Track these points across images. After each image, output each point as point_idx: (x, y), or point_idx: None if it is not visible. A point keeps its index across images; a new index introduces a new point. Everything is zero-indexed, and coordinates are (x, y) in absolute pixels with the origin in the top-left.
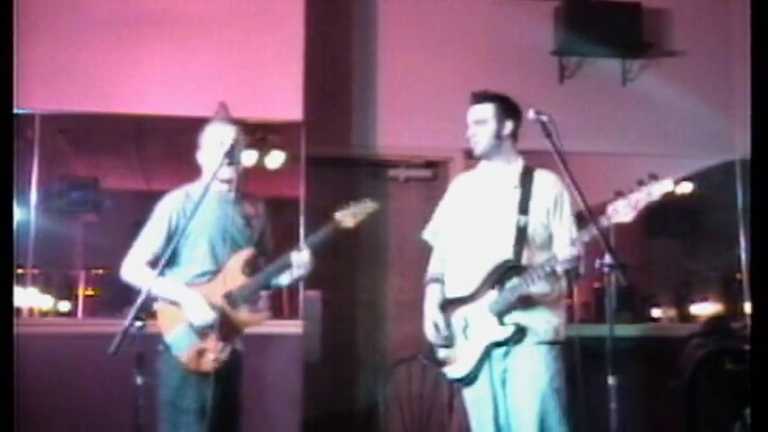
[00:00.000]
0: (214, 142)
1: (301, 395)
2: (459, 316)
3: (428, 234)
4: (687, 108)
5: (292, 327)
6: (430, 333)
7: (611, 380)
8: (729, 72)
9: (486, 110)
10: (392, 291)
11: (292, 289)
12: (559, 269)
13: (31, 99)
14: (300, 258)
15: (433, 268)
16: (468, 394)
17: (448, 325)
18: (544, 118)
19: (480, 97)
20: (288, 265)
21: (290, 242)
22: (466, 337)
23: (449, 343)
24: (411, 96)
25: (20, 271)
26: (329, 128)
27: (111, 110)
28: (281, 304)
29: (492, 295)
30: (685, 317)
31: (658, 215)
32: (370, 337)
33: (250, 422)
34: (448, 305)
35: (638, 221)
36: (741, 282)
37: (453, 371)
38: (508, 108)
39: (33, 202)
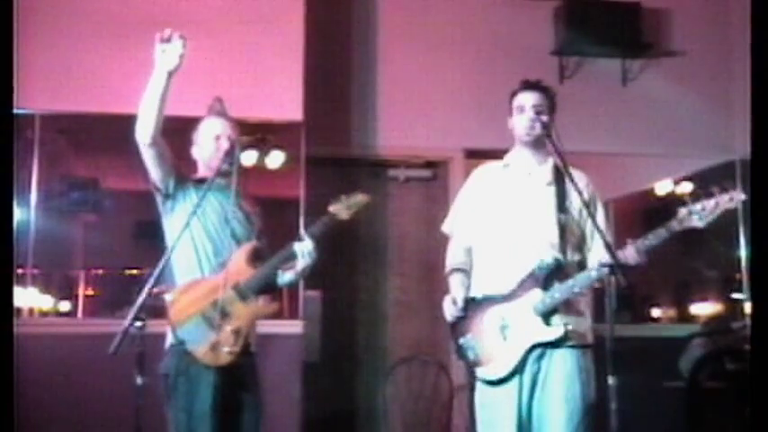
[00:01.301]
0: (209, 136)
1: (301, 395)
2: (495, 315)
3: (448, 226)
4: (687, 108)
5: (292, 327)
6: (447, 310)
7: (611, 380)
8: (729, 72)
9: (542, 99)
10: (392, 291)
11: (292, 289)
12: (605, 271)
13: (31, 99)
14: (305, 247)
15: (455, 259)
16: (487, 394)
17: (466, 301)
18: (544, 118)
19: (537, 86)
20: (292, 255)
21: (291, 242)
22: (504, 338)
23: (464, 315)
24: (411, 96)
25: (20, 271)
26: (329, 128)
27: (111, 110)
28: (282, 304)
29: (536, 294)
30: (685, 317)
31: (658, 215)
32: (370, 337)
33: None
34: (481, 303)
35: (638, 222)
36: (741, 282)
37: (489, 372)
38: (555, 104)
39: (33, 202)
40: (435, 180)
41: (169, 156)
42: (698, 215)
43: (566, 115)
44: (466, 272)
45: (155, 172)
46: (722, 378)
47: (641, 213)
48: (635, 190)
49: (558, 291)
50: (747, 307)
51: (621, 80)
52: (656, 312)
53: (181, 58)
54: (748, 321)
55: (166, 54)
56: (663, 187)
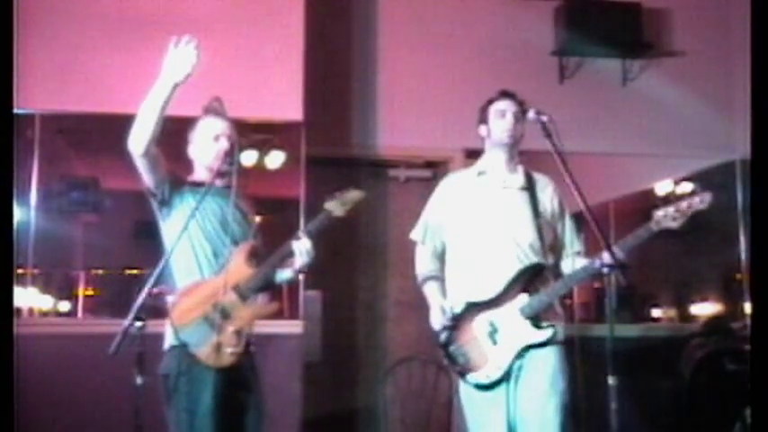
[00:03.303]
0: (208, 136)
1: (301, 395)
2: (483, 321)
3: (418, 234)
4: (687, 108)
5: (292, 327)
6: (436, 319)
7: (611, 380)
8: (729, 72)
9: (517, 107)
10: (392, 291)
11: (292, 289)
12: (605, 271)
13: (31, 99)
14: (303, 245)
15: (427, 267)
16: (476, 396)
17: (454, 314)
18: (544, 118)
19: (515, 96)
20: (290, 253)
21: (289, 241)
22: (494, 342)
23: (453, 324)
24: (411, 96)
25: (20, 271)
26: (329, 128)
27: (111, 110)
28: (282, 304)
29: (522, 298)
30: (685, 317)
31: None
32: (370, 337)
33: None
34: (467, 310)
35: (638, 221)
36: (741, 282)
37: (481, 376)
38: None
39: (33, 202)
40: (435, 180)
41: (163, 163)
42: (672, 217)
43: (566, 115)
44: (440, 279)
45: (148, 179)
46: (722, 378)
47: (641, 213)
48: (635, 190)
49: (546, 294)
50: (747, 307)
51: (621, 80)
52: (656, 312)
53: (193, 68)
54: (748, 321)
55: (178, 62)
56: (663, 187)
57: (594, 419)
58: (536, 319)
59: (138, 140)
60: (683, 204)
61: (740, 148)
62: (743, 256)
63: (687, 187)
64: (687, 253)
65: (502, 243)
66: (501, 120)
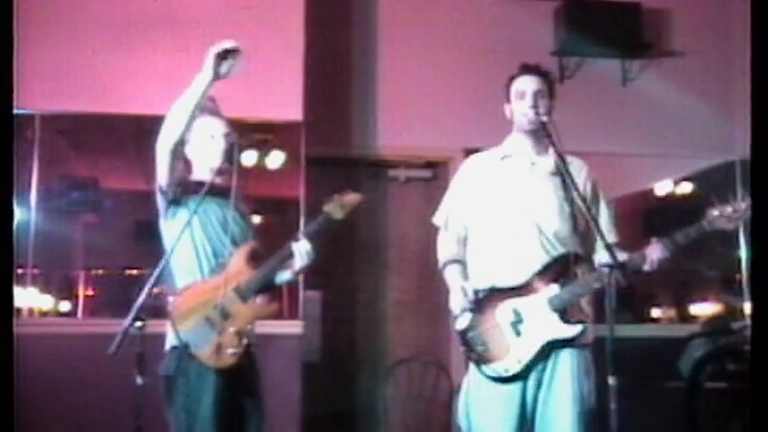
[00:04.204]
0: (205, 136)
1: (301, 395)
2: (507, 308)
3: (440, 219)
4: (687, 108)
5: (292, 327)
6: (456, 301)
7: (611, 380)
8: (729, 72)
9: (542, 83)
10: (392, 291)
11: (292, 289)
12: (647, 268)
13: (31, 99)
14: (302, 247)
15: (449, 251)
16: (486, 391)
17: (475, 293)
18: (544, 118)
19: (537, 70)
20: (290, 255)
21: (289, 242)
22: (517, 333)
23: (474, 308)
24: (411, 96)
25: (20, 271)
26: (329, 128)
27: (111, 110)
28: (281, 304)
29: (552, 289)
30: (685, 317)
31: (658, 215)
32: (370, 337)
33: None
34: (489, 296)
35: (639, 221)
36: (741, 282)
37: (499, 368)
38: (554, 89)
39: (33, 202)
40: (435, 180)
41: (182, 163)
42: (728, 217)
43: (566, 115)
44: (462, 263)
45: (165, 177)
46: (722, 378)
47: (641, 213)
48: (635, 190)
49: (579, 286)
50: (747, 307)
51: (621, 80)
52: (656, 312)
53: (234, 69)
54: (748, 321)
55: (224, 65)
56: (663, 187)
57: (594, 420)
58: (564, 313)
59: (171, 137)
60: (742, 204)
61: (740, 148)
62: (743, 256)
63: (687, 187)
64: (687, 253)
65: (524, 230)
66: (520, 101)
